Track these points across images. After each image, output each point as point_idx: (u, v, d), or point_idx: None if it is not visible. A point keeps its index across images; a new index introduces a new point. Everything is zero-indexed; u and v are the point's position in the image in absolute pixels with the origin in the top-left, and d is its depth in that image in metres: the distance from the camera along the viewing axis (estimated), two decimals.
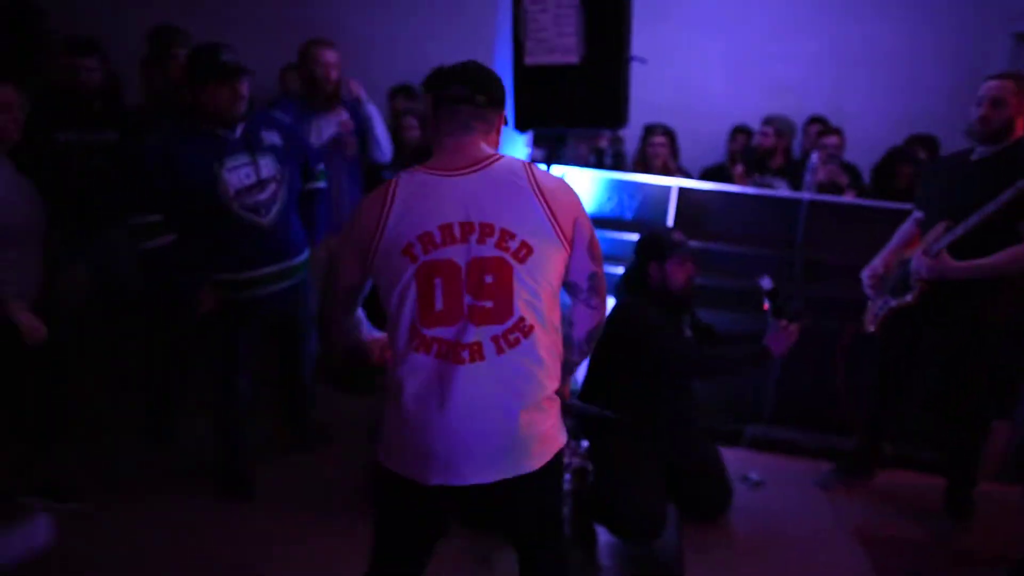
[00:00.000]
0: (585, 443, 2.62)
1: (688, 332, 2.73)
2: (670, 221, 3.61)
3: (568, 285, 1.67)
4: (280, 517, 2.71)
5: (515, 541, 1.72)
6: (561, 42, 2.66)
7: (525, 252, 1.52)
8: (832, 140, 4.17)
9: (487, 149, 1.62)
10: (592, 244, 1.63)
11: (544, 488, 1.62)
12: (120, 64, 4.15)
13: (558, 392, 1.65)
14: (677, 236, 2.67)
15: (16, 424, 2.92)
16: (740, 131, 4.85)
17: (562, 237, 1.56)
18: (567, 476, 2.43)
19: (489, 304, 1.51)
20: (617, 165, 4.58)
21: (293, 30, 4.14)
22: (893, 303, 2.75)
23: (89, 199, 3.02)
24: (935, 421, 2.88)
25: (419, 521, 1.65)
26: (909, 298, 2.68)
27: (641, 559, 2.65)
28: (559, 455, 1.62)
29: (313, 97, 3.37)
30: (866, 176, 4.32)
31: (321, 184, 2.94)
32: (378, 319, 1.76)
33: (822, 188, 3.90)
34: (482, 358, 1.51)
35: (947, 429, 2.78)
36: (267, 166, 2.60)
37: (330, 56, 3.42)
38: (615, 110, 2.66)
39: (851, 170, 4.21)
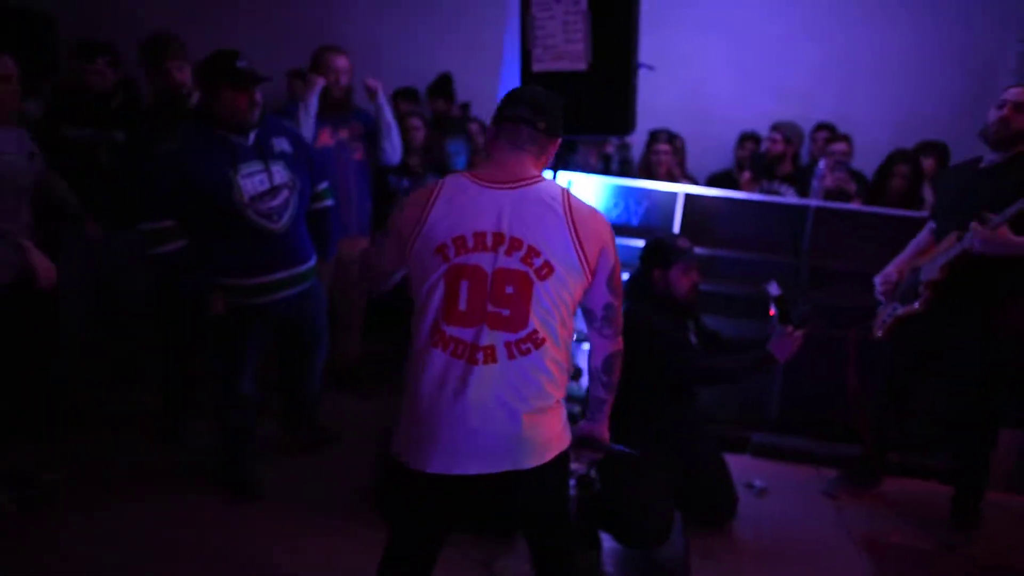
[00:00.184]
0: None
1: (693, 339, 2.73)
2: (676, 227, 3.62)
3: (584, 311, 1.76)
4: (283, 517, 2.72)
5: (524, 534, 1.81)
6: (569, 49, 2.67)
7: (547, 271, 1.61)
8: (840, 147, 4.17)
9: (533, 170, 1.70)
10: (613, 276, 1.71)
11: (545, 484, 1.69)
12: (132, 66, 4.20)
13: (597, 437, 1.82)
14: (683, 243, 2.66)
15: None
16: (748, 138, 4.85)
17: (584, 265, 1.64)
18: (572, 482, 2.43)
19: (506, 312, 1.60)
20: (624, 171, 4.59)
21: (299, 36, 4.18)
22: (901, 310, 2.75)
23: (94, 194, 3.08)
24: (943, 429, 2.87)
25: (426, 511, 1.73)
26: (916, 305, 2.68)
27: (646, 566, 2.65)
28: (562, 457, 1.69)
29: (323, 103, 3.39)
30: None
31: (328, 202, 2.97)
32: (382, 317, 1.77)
33: (829, 195, 3.90)
34: (495, 361, 1.60)
35: (955, 437, 2.77)
36: (279, 173, 2.63)
37: (341, 62, 3.45)
38: (623, 117, 2.67)
39: (859, 177, 4.20)
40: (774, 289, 2.47)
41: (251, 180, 2.56)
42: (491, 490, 1.67)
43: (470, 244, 1.62)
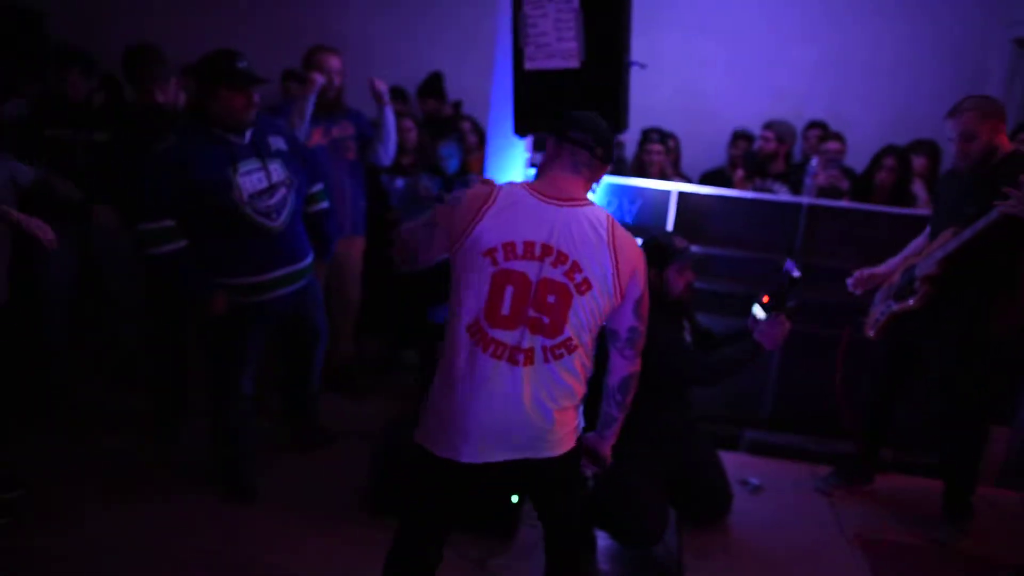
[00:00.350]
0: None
1: (688, 337, 2.73)
2: (670, 225, 3.62)
3: (608, 332, 1.88)
4: (279, 518, 2.72)
5: (541, 516, 1.94)
6: (561, 47, 2.67)
7: (585, 288, 1.73)
8: (834, 145, 4.17)
9: (582, 192, 1.82)
10: (641, 303, 1.83)
11: (566, 467, 1.84)
12: (117, 64, 4.18)
13: (601, 453, 1.98)
14: (679, 242, 2.65)
15: None
16: (741, 136, 4.85)
17: (617, 288, 1.76)
18: None
19: (547, 320, 1.72)
20: (618, 170, 4.58)
21: (292, 36, 4.16)
22: (895, 307, 2.76)
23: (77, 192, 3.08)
24: (934, 426, 2.88)
25: (446, 497, 1.85)
26: (912, 302, 2.68)
27: (641, 563, 2.65)
28: (578, 447, 1.86)
29: (316, 102, 3.39)
30: None
31: (324, 205, 2.98)
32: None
33: (822, 193, 3.91)
34: (532, 363, 1.73)
35: (945, 434, 2.78)
36: (276, 171, 2.64)
37: (334, 63, 3.45)
38: (615, 115, 2.66)
39: (851, 175, 4.21)
40: (795, 271, 2.44)
41: (249, 178, 2.56)
42: (514, 473, 1.80)
43: (519, 251, 1.72)
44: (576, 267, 1.72)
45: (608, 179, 3.92)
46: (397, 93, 5.03)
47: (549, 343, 1.73)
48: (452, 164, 4.00)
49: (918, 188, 3.86)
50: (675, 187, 3.61)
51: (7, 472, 2.70)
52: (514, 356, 1.72)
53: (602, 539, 2.65)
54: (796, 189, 4.21)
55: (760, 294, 2.53)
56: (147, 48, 3.15)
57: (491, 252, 1.72)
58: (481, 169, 3.53)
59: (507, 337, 1.72)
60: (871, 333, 2.87)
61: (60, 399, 3.40)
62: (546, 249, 1.72)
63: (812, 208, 3.54)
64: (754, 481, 3.04)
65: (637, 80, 2.73)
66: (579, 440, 1.86)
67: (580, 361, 1.78)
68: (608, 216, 1.79)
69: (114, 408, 3.46)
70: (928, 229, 2.84)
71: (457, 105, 5.30)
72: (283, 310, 2.80)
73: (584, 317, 1.74)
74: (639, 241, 2.03)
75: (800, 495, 3.02)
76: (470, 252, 1.74)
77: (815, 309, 3.52)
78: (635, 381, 1.93)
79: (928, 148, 4.14)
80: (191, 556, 2.48)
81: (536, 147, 3.15)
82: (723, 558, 2.59)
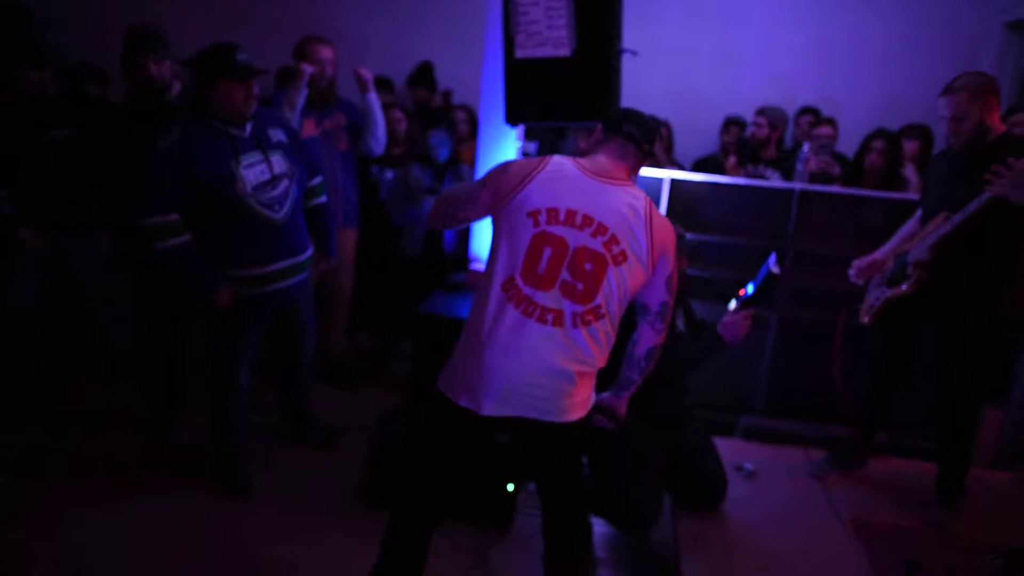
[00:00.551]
0: None
1: (682, 326, 2.73)
2: (663, 213, 3.62)
3: (640, 306, 1.98)
4: (275, 513, 2.72)
5: (541, 492, 2.02)
6: (552, 35, 2.65)
7: (621, 259, 1.84)
8: (825, 130, 4.17)
9: (626, 176, 1.94)
10: (671, 279, 1.94)
11: (574, 437, 1.91)
12: (114, 58, 4.14)
13: (616, 410, 2.09)
14: (676, 229, 2.65)
15: None
16: (733, 123, 4.84)
17: (649, 263, 1.87)
18: None
19: (580, 286, 1.81)
20: None
21: (287, 29, 4.13)
22: (888, 293, 2.76)
23: (41, 192, 3.07)
24: (929, 410, 2.90)
25: (461, 445, 1.95)
26: (905, 287, 2.69)
27: (636, 549, 2.66)
28: (587, 420, 1.93)
29: (308, 93, 3.36)
30: None
31: (323, 199, 2.98)
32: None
33: (814, 178, 3.91)
34: (561, 325, 1.81)
35: (942, 418, 2.80)
36: (278, 163, 2.66)
37: (326, 53, 3.42)
38: (606, 103, 2.66)
39: (843, 160, 4.21)
40: (775, 266, 2.44)
41: (252, 171, 2.58)
42: (524, 434, 1.89)
43: (561, 217, 1.82)
44: (614, 239, 1.82)
45: None
46: (383, 83, 5.00)
47: (579, 309, 1.81)
48: (442, 153, 3.99)
49: (910, 172, 3.87)
50: (667, 174, 3.60)
51: None
52: (544, 316, 1.80)
53: (598, 526, 2.66)
54: (788, 175, 4.21)
55: (739, 287, 2.54)
56: (150, 25, 3.08)
57: (535, 214, 1.82)
58: (472, 159, 3.52)
59: (539, 297, 1.80)
60: (866, 319, 2.88)
61: (41, 401, 3.37)
62: (587, 220, 1.82)
63: (804, 194, 3.54)
64: (749, 466, 3.06)
65: (629, 68, 2.72)
66: (589, 414, 1.92)
67: (605, 330, 1.86)
68: (647, 198, 1.90)
69: (104, 408, 3.44)
70: (919, 212, 2.84)
71: (447, 95, 5.28)
72: (282, 303, 2.81)
73: (615, 287, 1.83)
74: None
75: (795, 480, 3.03)
76: (515, 211, 1.84)
77: (808, 295, 3.53)
78: (659, 351, 2.03)
79: (920, 132, 4.14)
80: (189, 554, 2.47)
81: (528, 136, 3.14)
82: (718, 543, 2.61)
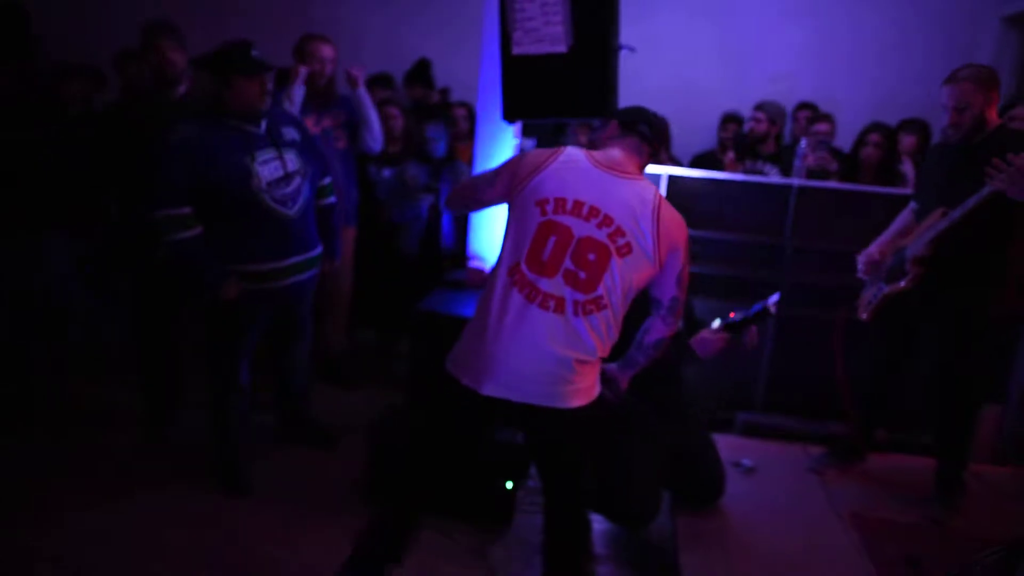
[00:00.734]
0: None
1: (680, 323, 2.73)
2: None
3: (652, 300, 2.01)
4: (275, 512, 2.72)
5: (542, 481, 2.06)
6: (549, 31, 2.65)
7: (626, 251, 1.86)
8: (822, 127, 4.17)
9: (636, 170, 1.98)
10: (682, 275, 1.96)
11: (576, 425, 1.92)
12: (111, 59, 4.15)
13: (619, 382, 2.11)
14: None
15: None
16: (731, 119, 4.83)
17: (656, 257, 1.89)
18: None
19: (583, 275, 1.85)
20: None
21: (286, 27, 4.12)
22: (886, 289, 2.76)
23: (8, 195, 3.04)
24: (928, 406, 2.90)
25: (464, 421, 2.00)
26: (903, 283, 2.69)
27: (635, 545, 2.67)
28: (592, 405, 1.94)
29: (307, 91, 3.36)
30: None
31: (332, 199, 2.98)
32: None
33: (811, 174, 3.90)
34: (562, 312, 1.84)
35: (942, 416, 2.80)
36: (291, 160, 2.68)
37: (326, 51, 3.42)
38: (603, 99, 2.65)
39: (841, 156, 4.21)
40: (773, 306, 2.45)
41: (267, 167, 2.60)
42: (530, 421, 1.93)
43: (568, 207, 1.86)
44: (619, 232, 1.85)
45: None
46: (383, 80, 4.99)
47: (581, 297, 1.84)
48: (439, 147, 3.98)
49: (907, 167, 3.86)
50: (665, 170, 3.60)
51: None
52: (546, 302, 1.84)
53: (598, 522, 2.66)
54: (787, 171, 4.21)
55: (730, 310, 2.54)
56: (167, 21, 3.07)
57: (542, 203, 1.87)
58: (470, 156, 3.51)
59: (542, 283, 1.84)
60: (864, 315, 2.88)
61: (37, 399, 3.36)
62: (593, 210, 1.85)
63: (802, 189, 3.53)
64: (747, 463, 3.06)
65: (626, 64, 2.71)
66: (591, 404, 1.94)
67: (606, 322, 1.88)
68: (657, 192, 1.92)
69: (103, 408, 3.44)
70: (912, 205, 2.83)
71: (444, 93, 5.27)
72: (287, 299, 2.81)
73: (619, 279, 1.85)
74: None
75: (793, 475, 3.04)
76: (526, 199, 1.89)
77: (806, 291, 3.53)
78: (667, 342, 2.07)
79: (918, 127, 4.14)
80: (189, 553, 2.47)
81: (526, 132, 3.13)
82: (717, 539, 2.61)
